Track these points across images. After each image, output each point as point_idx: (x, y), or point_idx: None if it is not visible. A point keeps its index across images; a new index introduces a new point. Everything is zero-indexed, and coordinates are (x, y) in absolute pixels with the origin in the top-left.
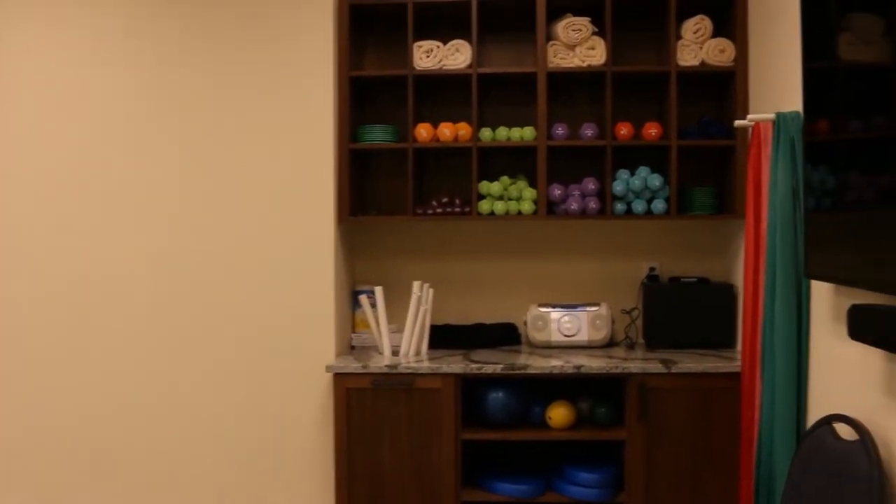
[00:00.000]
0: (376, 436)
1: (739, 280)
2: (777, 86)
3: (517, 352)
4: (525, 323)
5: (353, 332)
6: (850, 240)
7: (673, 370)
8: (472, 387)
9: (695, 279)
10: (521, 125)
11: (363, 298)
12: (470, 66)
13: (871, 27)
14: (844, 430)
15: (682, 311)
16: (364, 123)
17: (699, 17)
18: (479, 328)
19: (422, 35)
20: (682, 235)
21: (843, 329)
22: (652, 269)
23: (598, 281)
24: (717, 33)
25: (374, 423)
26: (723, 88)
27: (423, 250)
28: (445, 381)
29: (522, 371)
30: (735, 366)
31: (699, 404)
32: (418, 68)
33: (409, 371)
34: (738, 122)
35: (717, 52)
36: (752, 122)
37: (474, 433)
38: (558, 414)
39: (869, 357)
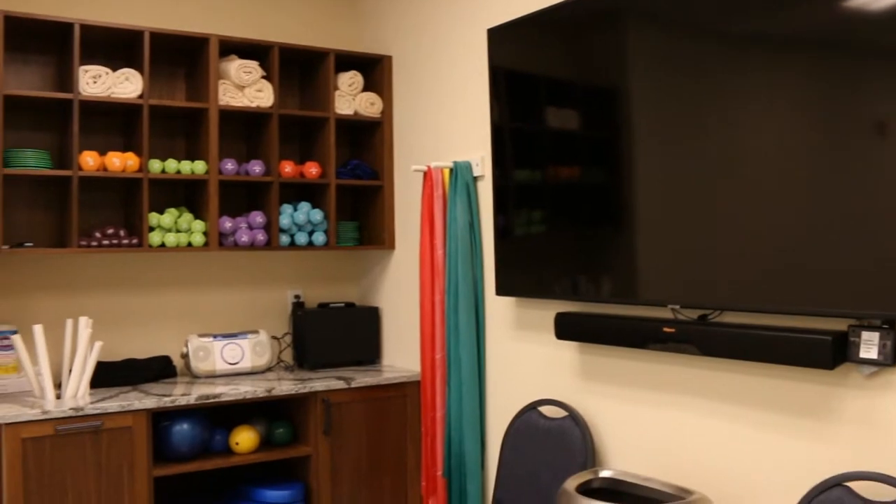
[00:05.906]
0: (58, 489)
1: (381, 302)
2: (416, 136)
3: (181, 383)
4: (184, 354)
5: None
6: (537, 262)
7: (353, 385)
8: (154, 422)
9: (342, 304)
10: (191, 158)
11: (16, 339)
12: (140, 96)
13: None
14: (550, 411)
15: (331, 334)
16: (9, 147)
17: (353, 72)
18: (132, 363)
19: (87, 59)
20: (325, 264)
21: (525, 333)
22: (297, 296)
23: (247, 310)
24: (367, 88)
25: (55, 474)
26: (369, 135)
27: (65, 286)
28: (137, 418)
29: (217, 400)
30: (404, 376)
31: (374, 413)
32: (84, 94)
33: (97, 412)
34: (414, 167)
35: (368, 105)
36: (425, 168)
37: (166, 469)
38: (245, 438)
39: (562, 351)
